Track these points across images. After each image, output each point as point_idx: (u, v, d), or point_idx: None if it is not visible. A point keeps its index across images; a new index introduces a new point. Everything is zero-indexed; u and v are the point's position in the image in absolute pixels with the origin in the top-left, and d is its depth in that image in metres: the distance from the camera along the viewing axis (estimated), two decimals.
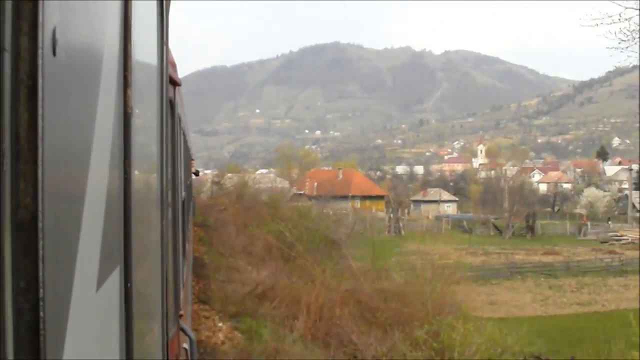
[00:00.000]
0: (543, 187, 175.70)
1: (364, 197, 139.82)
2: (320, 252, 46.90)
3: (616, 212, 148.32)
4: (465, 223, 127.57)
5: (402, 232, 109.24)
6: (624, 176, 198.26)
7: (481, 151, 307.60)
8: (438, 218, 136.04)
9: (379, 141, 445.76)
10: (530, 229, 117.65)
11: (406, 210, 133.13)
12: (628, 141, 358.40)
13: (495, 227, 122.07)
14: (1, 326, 0.88)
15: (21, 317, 0.89)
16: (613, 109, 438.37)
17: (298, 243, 45.26)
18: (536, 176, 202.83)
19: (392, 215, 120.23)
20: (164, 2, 3.39)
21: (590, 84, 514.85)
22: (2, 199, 0.88)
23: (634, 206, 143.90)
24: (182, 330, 5.64)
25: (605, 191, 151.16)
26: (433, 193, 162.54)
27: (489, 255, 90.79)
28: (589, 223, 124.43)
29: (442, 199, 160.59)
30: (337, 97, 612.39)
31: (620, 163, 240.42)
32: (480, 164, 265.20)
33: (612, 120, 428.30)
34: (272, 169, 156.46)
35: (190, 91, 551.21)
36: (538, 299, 63.84)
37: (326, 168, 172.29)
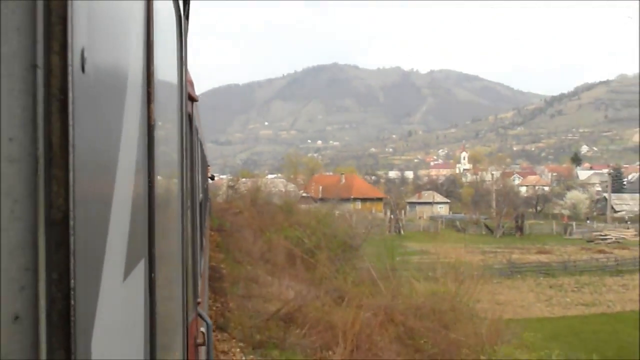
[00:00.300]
0: (522, 190, 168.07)
1: (364, 200, 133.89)
2: (339, 259, 41.70)
3: (595, 213, 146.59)
4: (458, 223, 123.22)
5: (402, 232, 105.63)
6: (595, 180, 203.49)
7: (464, 158, 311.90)
8: (433, 218, 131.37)
9: (373, 149, 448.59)
10: (519, 228, 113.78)
11: (403, 211, 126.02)
12: (595, 148, 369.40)
13: (487, 226, 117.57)
14: (36, 313, 0.88)
15: (54, 305, 0.88)
16: (581, 120, 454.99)
17: (317, 250, 40.42)
18: (516, 180, 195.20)
19: (392, 216, 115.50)
20: (183, 26, 3.34)
21: (560, 98, 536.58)
22: (37, 200, 0.89)
23: (612, 207, 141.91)
24: (200, 316, 5.43)
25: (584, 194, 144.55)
26: (427, 195, 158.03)
27: (485, 254, 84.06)
28: (574, 223, 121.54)
29: (435, 201, 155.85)
30: (336, 111, 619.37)
31: (591, 168, 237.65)
32: (464, 169, 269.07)
33: (581, 130, 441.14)
34: (279, 175, 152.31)
35: (207, 106, 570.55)
36: (542, 298, 58.54)
37: (328, 173, 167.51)
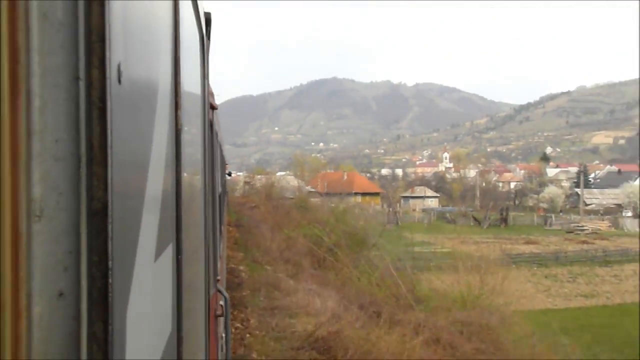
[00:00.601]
0: (499, 185, 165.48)
1: (364, 194, 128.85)
2: (359, 257, 36.37)
3: (567, 206, 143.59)
4: (448, 215, 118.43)
5: (399, 223, 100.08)
6: (563, 176, 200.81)
7: (446, 158, 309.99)
8: (425, 211, 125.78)
9: (367, 151, 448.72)
10: (504, 220, 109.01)
11: (398, 205, 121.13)
12: (558, 149, 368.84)
13: (475, 218, 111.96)
14: (78, 290, 0.89)
15: (94, 283, 0.90)
16: (545, 125, 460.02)
17: (337, 248, 35.22)
18: (493, 177, 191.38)
19: (390, 209, 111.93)
20: (205, 45, 3.44)
21: (527, 106, 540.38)
22: (79, 193, 0.90)
23: (584, 201, 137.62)
24: (219, 291, 5.42)
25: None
26: (419, 190, 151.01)
27: (478, 244, 77.77)
28: (552, 215, 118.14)
29: (426, 195, 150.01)
30: (335, 118, 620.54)
31: (557, 166, 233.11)
32: (446, 167, 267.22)
33: (545, 134, 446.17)
34: (288, 172, 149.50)
35: (226, 114, 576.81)
36: (540, 289, 53.60)
37: (330, 171, 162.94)
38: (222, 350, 5.75)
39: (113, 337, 0.93)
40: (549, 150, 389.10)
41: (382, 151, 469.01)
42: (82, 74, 0.89)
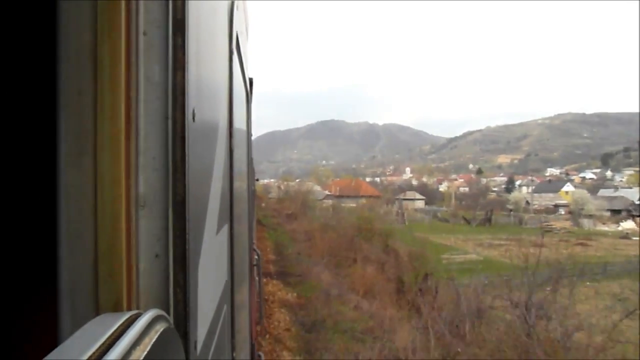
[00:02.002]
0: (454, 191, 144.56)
1: (369, 197, 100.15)
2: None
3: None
4: (439, 214, 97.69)
5: (406, 223, 77.71)
6: (492, 184, 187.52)
7: (408, 170, 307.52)
8: (419, 211, 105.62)
9: (353, 166, 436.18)
10: (489, 219, 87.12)
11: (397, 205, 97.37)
12: (477, 165, 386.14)
13: (464, 218, 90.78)
14: (167, 253, 0.87)
15: (177, 249, 0.87)
16: (467, 150, 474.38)
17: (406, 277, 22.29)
18: (444, 184, 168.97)
19: (399, 210, 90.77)
20: (249, 97, 3.45)
21: (455, 138, 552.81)
22: (168, 191, 0.87)
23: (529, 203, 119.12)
24: (254, 250, 5.27)
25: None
26: (410, 194, 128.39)
27: (495, 247, 48.41)
28: (525, 215, 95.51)
29: (416, 198, 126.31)
30: (333, 145, 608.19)
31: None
32: (408, 177, 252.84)
33: (467, 156, 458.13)
34: (304, 179, 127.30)
35: (264, 141, 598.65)
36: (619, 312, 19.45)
37: (338, 179, 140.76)
38: (257, 288, 5.36)
39: (189, 284, 0.92)
40: (470, 166, 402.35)
41: (363, 166, 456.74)
42: (170, 114, 0.88)
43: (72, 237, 0.82)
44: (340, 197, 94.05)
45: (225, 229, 1.72)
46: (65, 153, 0.82)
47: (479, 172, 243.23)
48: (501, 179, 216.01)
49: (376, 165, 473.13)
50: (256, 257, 5.31)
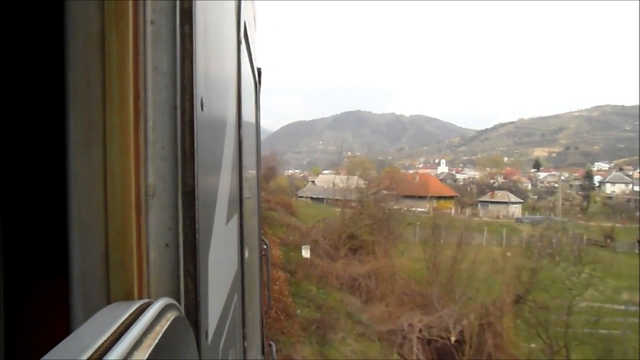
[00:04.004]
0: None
1: (439, 198, 59.74)
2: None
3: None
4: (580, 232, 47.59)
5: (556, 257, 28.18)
6: (551, 179, 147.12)
7: (443, 163, 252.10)
8: (519, 220, 62.24)
9: (380, 158, 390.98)
10: None
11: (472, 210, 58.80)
12: (512, 159, 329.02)
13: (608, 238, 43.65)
14: (177, 242, 0.85)
15: (187, 238, 0.85)
16: (499, 143, 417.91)
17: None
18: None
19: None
20: (257, 88, 3.28)
21: (485, 131, 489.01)
22: (177, 180, 0.85)
23: None
24: (262, 240, 4.88)
25: None
26: (500, 195, 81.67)
27: None
28: None
29: (510, 201, 78.86)
30: (359, 136, 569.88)
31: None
32: (442, 171, 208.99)
33: (500, 149, 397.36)
34: (330, 171, 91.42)
35: (288, 133, 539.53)
36: None
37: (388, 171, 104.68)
38: (265, 278, 5.05)
39: (200, 273, 0.91)
40: (505, 159, 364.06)
41: (391, 158, 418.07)
42: (178, 104, 0.86)
43: (83, 227, 0.81)
44: (401, 197, 59.00)
45: (235, 218, 1.69)
46: (74, 144, 0.81)
47: (536, 165, 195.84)
48: (543, 173, 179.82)
49: (404, 156, 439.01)
50: (264, 247, 4.94)
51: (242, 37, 1.84)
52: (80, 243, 0.80)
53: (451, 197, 78.64)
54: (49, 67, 1.29)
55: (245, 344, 1.94)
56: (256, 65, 3.18)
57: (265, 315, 4.48)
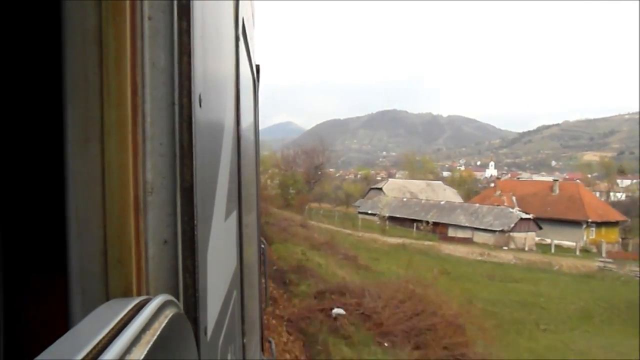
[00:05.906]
0: None
1: (600, 224, 25.77)
2: None
3: None
4: None
5: None
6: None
7: (492, 165, 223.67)
8: None
9: (417, 158, 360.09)
10: None
11: None
12: (561, 163, 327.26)
13: None
14: (176, 239, 0.83)
15: (185, 235, 0.84)
16: (543, 146, 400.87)
17: None
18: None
19: None
20: (256, 85, 3.22)
21: (528, 133, 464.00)
22: (175, 176, 0.83)
23: None
24: (261, 240, 5.22)
25: None
26: None
27: None
28: None
29: None
30: (394, 136, 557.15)
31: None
32: (491, 174, 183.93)
33: (546, 152, 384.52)
34: (399, 174, 66.08)
35: (324, 131, 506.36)
36: None
37: (510, 179, 75.16)
38: (264, 277, 5.16)
39: (198, 269, 0.90)
40: (553, 163, 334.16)
41: (428, 159, 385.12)
42: (176, 100, 0.84)
43: (81, 223, 0.80)
44: (536, 220, 26.19)
45: (234, 215, 1.64)
46: (71, 140, 0.80)
47: (620, 171, 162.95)
48: (626, 181, 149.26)
49: (443, 158, 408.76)
50: (262, 245, 4.88)
51: (241, 33, 1.78)
52: (78, 239, 0.79)
53: (615, 223, 46.75)
54: (46, 63, 1.27)
55: (245, 340, 1.89)
56: (254, 62, 3.06)
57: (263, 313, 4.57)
